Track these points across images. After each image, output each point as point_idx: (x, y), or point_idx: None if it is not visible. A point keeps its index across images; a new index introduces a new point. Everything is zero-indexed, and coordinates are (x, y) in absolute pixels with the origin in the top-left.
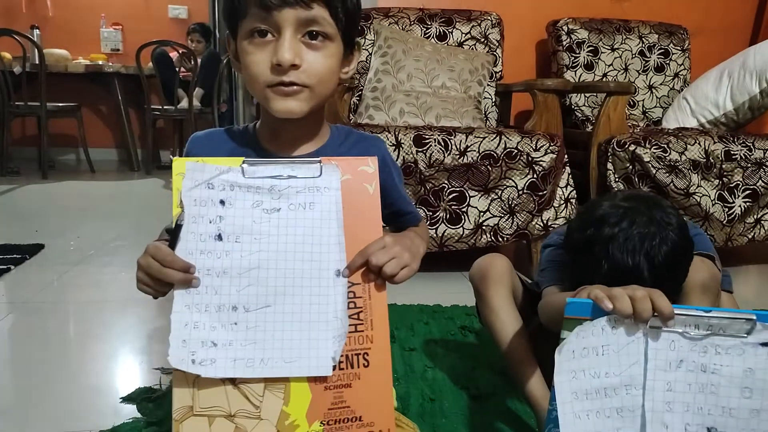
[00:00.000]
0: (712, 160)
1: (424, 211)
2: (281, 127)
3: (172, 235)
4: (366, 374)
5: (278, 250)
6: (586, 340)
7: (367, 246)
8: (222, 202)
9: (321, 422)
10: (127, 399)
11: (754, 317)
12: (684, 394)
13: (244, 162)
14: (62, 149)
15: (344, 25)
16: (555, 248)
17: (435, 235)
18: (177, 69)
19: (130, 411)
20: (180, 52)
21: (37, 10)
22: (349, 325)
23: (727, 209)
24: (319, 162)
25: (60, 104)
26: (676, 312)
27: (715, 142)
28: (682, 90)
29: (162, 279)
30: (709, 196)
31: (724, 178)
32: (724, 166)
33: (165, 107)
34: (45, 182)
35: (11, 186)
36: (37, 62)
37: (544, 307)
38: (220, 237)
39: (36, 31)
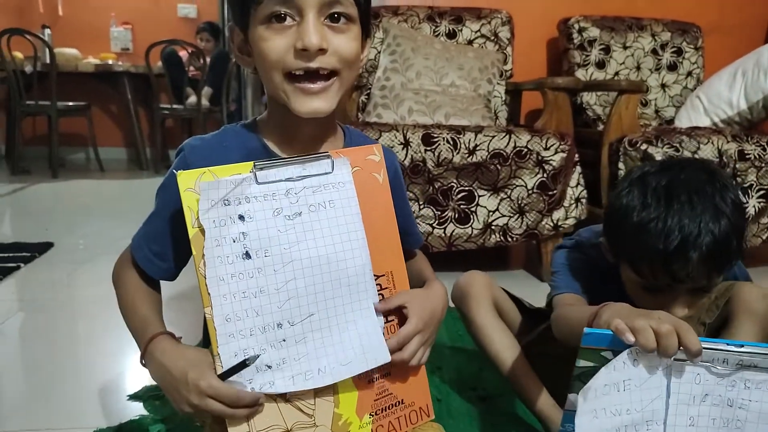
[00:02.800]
0: (726, 160)
1: (432, 210)
2: (297, 127)
3: (230, 371)
4: None
5: (310, 256)
6: (607, 376)
7: (404, 328)
8: (241, 218)
9: (370, 414)
10: (134, 397)
11: None
12: (707, 429)
13: (255, 166)
14: (72, 148)
15: (363, 7)
16: (569, 251)
17: (443, 234)
18: (186, 68)
19: (137, 409)
20: (189, 51)
21: (48, 9)
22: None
23: None
24: (329, 157)
25: (70, 103)
26: (704, 346)
27: (728, 142)
28: (695, 89)
29: (228, 417)
30: None
31: (737, 178)
32: (737, 166)
33: (174, 106)
34: (55, 181)
35: (22, 185)
36: (48, 62)
37: (560, 321)
38: (248, 255)
39: (47, 31)
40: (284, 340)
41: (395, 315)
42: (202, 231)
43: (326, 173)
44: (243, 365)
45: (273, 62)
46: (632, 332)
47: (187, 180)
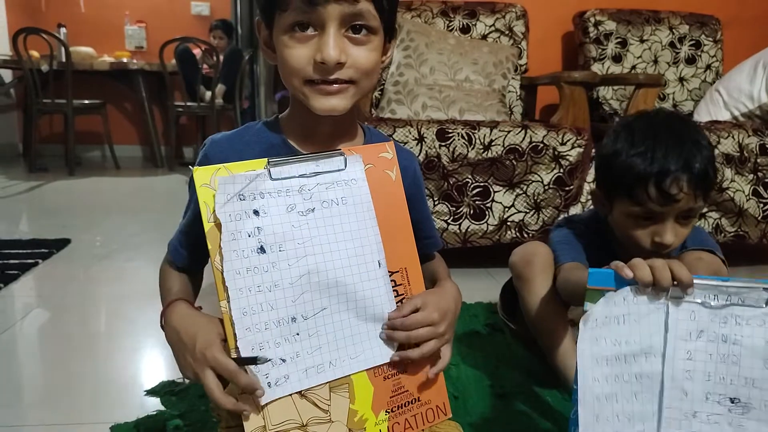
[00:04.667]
0: (747, 154)
1: (447, 206)
2: (316, 124)
3: (242, 360)
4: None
5: (323, 252)
6: (608, 309)
7: (415, 316)
8: (256, 212)
9: (386, 411)
10: (150, 392)
11: None
12: (705, 363)
13: (268, 163)
14: (88, 146)
15: (387, 15)
16: (562, 228)
17: (458, 231)
18: (200, 66)
19: (154, 404)
20: (203, 48)
21: (64, 8)
22: None
23: (762, 205)
24: (342, 154)
25: (86, 101)
26: (695, 281)
27: (749, 136)
28: (714, 82)
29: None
30: (744, 191)
31: (759, 173)
32: (759, 160)
33: (188, 104)
34: (71, 179)
35: (39, 182)
36: (63, 60)
37: (565, 281)
38: (262, 249)
39: (63, 30)
40: (298, 334)
41: None
42: (218, 226)
43: (339, 170)
44: (254, 360)
45: (293, 70)
46: (630, 268)
47: (202, 176)
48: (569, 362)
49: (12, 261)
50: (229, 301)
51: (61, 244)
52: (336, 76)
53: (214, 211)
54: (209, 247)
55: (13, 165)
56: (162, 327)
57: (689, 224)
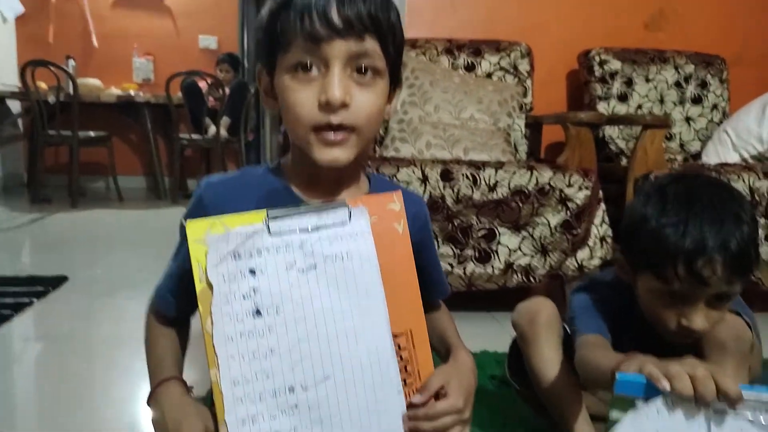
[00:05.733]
0: (758, 198)
1: (452, 248)
2: (320, 171)
3: None
4: None
5: (324, 313)
6: (639, 423)
7: (441, 405)
8: (252, 272)
9: None
10: None
11: None
12: None
13: (267, 216)
14: (92, 177)
15: (393, 59)
16: (585, 292)
17: (463, 274)
18: (205, 99)
19: None
20: (209, 81)
21: (73, 40)
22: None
23: None
24: (347, 206)
25: (92, 133)
26: (744, 394)
27: (760, 179)
28: (721, 122)
29: None
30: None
31: None
32: None
33: (193, 136)
34: (74, 211)
35: (41, 214)
36: (71, 92)
37: (583, 362)
38: (258, 312)
39: (71, 62)
40: (296, 406)
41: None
42: (210, 286)
43: (343, 224)
44: None
45: (299, 117)
46: (667, 378)
47: (196, 231)
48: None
49: (7, 300)
50: (219, 369)
51: (58, 281)
52: (340, 120)
53: (206, 270)
54: (200, 309)
55: (16, 195)
56: (149, 404)
57: (723, 307)
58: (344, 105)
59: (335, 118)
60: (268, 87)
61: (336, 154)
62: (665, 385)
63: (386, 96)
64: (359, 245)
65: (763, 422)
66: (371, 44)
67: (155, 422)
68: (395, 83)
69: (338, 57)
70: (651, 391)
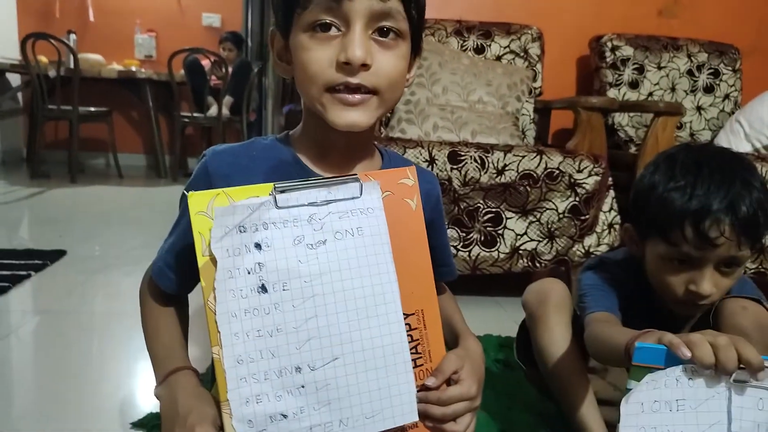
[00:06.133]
0: None
1: (457, 232)
2: (332, 143)
3: None
4: None
5: (334, 291)
6: (658, 391)
7: (453, 391)
8: (258, 246)
9: None
10: (137, 425)
11: None
12: None
13: (275, 188)
14: (92, 153)
15: (416, 21)
16: (595, 270)
17: (468, 257)
18: (208, 77)
19: None
20: (212, 60)
21: (75, 15)
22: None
23: None
24: (357, 180)
25: (92, 109)
26: (766, 363)
27: None
28: (733, 112)
29: None
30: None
31: None
32: None
33: (194, 114)
34: (73, 186)
35: (40, 189)
36: (71, 66)
37: (594, 339)
38: (264, 288)
39: (72, 36)
40: (303, 386)
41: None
42: (213, 260)
43: (354, 198)
44: None
45: (313, 75)
46: (688, 346)
47: (199, 202)
48: (590, 423)
49: (4, 272)
50: (221, 347)
51: (57, 255)
52: (359, 81)
53: (209, 244)
54: (203, 284)
55: (16, 170)
56: (156, 392)
57: (732, 275)
58: (365, 66)
59: (354, 79)
60: (282, 50)
61: (354, 117)
62: (686, 352)
63: (408, 61)
64: (370, 221)
65: None
66: (394, 4)
67: (163, 408)
68: (416, 51)
69: (360, 15)
70: (671, 360)
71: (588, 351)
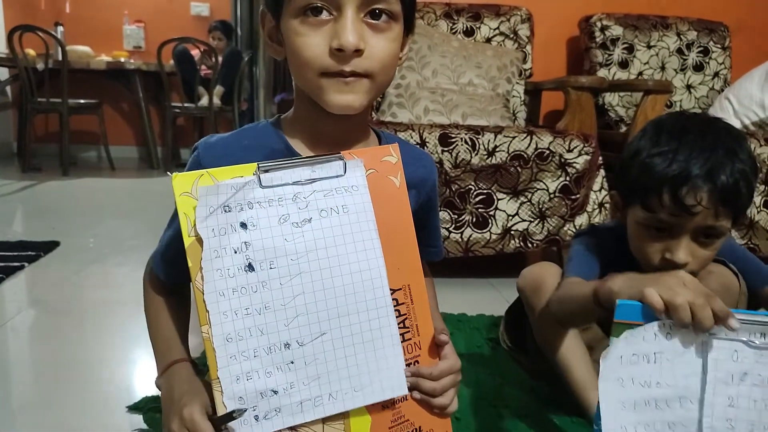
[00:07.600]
0: (759, 165)
1: (449, 214)
2: (325, 126)
3: (219, 419)
4: None
5: (320, 268)
6: (636, 345)
7: (442, 366)
8: (244, 225)
9: None
10: (134, 408)
11: None
12: (748, 411)
13: (258, 168)
14: (83, 146)
15: (408, 1)
16: (585, 236)
17: (460, 239)
18: (198, 66)
19: (137, 421)
20: (201, 49)
21: (62, 6)
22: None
23: None
24: (341, 158)
25: (82, 101)
26: (739, 318)
27: (761, 145)
28: (723, 90)
29: None
30: (755, 203)
31: None
32: None
33: (185, 105)
34: (65, 179)
35: (32, 182)
36: (59, 59)
37: (560, 298)
38: (251, 267)
39: (60, 28)
40: (292, 362)
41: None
42: (200, 240)
43: (338, 176)
44: (230, 417)
45: (306, 61)
46: (670, 308)
47: (183, 183)
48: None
49: None
50: (210, 326)
51: (50, 246)
52: (352, 68)
53: (195, 224)
54: (190, 264)
55: (6, 164)
56: (157, 382)
57: (711, 246)
58: (357, 51)
59: (347, 67)
60: (273, 31)
61: (349, 99)
62: (662, 316)
63: (400, 42)
64: (355, 198)
65: (758, 343)
66: None
67: (163, 396)
68: (408, 29)
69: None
70: (650, 316)
71: (554, 313)
